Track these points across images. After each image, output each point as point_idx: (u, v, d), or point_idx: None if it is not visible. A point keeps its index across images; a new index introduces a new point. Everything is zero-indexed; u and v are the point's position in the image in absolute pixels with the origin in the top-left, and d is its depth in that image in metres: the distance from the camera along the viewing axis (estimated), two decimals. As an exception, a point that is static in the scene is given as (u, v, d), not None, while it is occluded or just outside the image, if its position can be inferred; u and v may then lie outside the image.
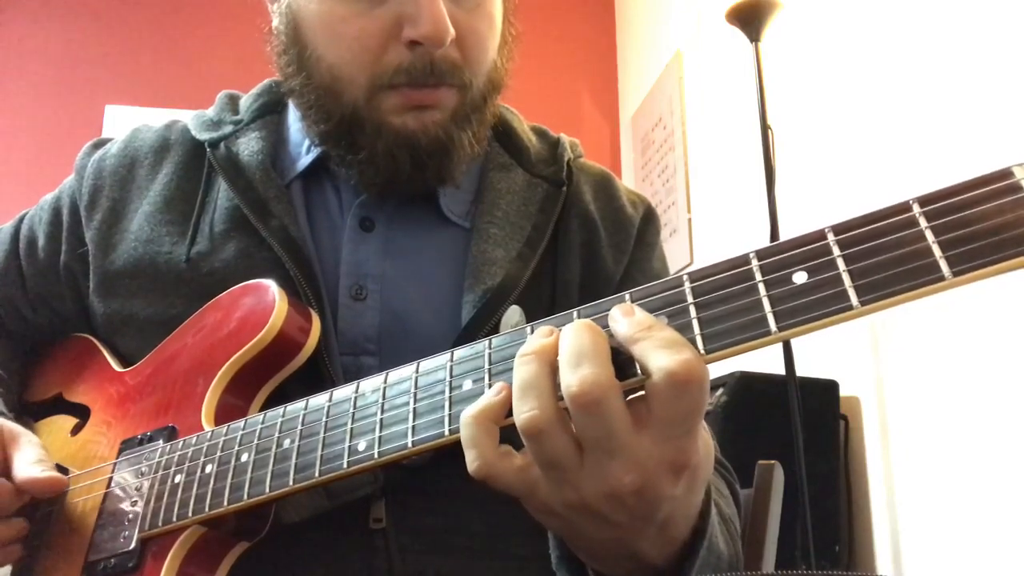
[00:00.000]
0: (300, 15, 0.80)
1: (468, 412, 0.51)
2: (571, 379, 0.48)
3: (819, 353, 2.02)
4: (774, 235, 1.96)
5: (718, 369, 2.04)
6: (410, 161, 0.79)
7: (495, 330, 0.73)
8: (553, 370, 0.50)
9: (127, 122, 2.95)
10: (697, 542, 0.56)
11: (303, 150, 0.88)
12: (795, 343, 1.88)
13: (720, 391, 1.92)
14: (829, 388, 1.94)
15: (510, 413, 0.51)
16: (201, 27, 3.14)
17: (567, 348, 0.49)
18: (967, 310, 1.56)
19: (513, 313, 0.63)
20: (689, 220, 2.80)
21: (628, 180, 3.34)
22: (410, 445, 0.55)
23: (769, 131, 2.06)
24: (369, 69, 0.77)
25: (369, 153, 0.79)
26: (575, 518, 0.51)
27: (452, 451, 0.71)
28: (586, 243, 0.87)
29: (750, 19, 2.14)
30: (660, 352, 0.47)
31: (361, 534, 0.72)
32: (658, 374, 0.47)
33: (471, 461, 0.51)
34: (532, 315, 0.59)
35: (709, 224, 2.71)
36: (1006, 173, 0.41)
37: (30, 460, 0.74)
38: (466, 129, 0.80)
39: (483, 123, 0.83)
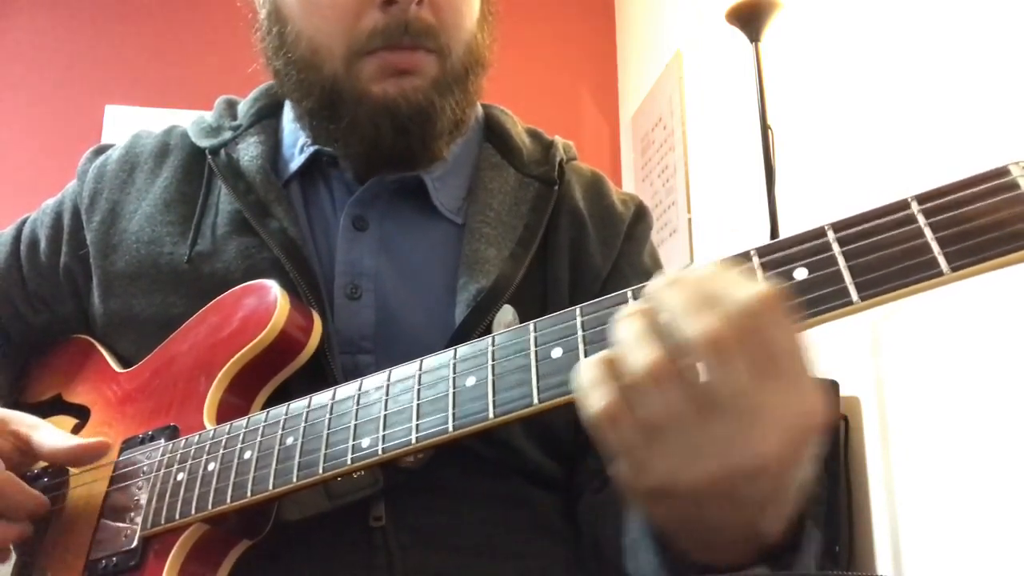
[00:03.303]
0: None
1: (597, 355, 0.47)
2: (702, 322, 0.43)
3: (819, 353, 2.02)
4: (774, 235, 1.96)
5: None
6: (392, 127, 0.79)
7: (488, 330, 0.73)
8: (661, 330, 0.46)
9: (127, 122, 2.95)
10: (806, 515, 0.51)
11: (296, 151, 0.89)
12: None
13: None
14: (829, 388, 1.94)
15: None
16: (201, 27, 3.14)
17: (682, 297, 0.45)
18: (967, 310, 1.57)
19: (506, 313, 0.63)
20: (689, 220, 2.80)
21: (628, 180, 3.34)
22: (414, 441, 0.55)
23: (769, 131, 2.06)
24: (346, 36, 0.78)
25: (351, 121, 0.80)
26: (695, 502, 0.46)
27: (452, 451, 0.71)
28: (574, 240, 0.87)
29: (750, 19, 2.14)
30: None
31: (361, 532, 0.72)
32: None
33: (596, 402, 0.45)
34: (525, 315, 0.60)
35: (709, 224, 2.71)
36: (1003, 171, 0.42)
37: (61, 434, 0.76)
38: (448, 98, 0.81)
39: (466, 96, 0.84)
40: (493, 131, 0.93)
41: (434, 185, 0.86)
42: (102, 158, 0.95)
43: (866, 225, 0.44)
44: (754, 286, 0.44)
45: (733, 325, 0.43)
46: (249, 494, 0.63)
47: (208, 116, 0.94)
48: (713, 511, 0.46)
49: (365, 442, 0.58)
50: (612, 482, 0.74)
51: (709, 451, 0.44)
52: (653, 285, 0.47)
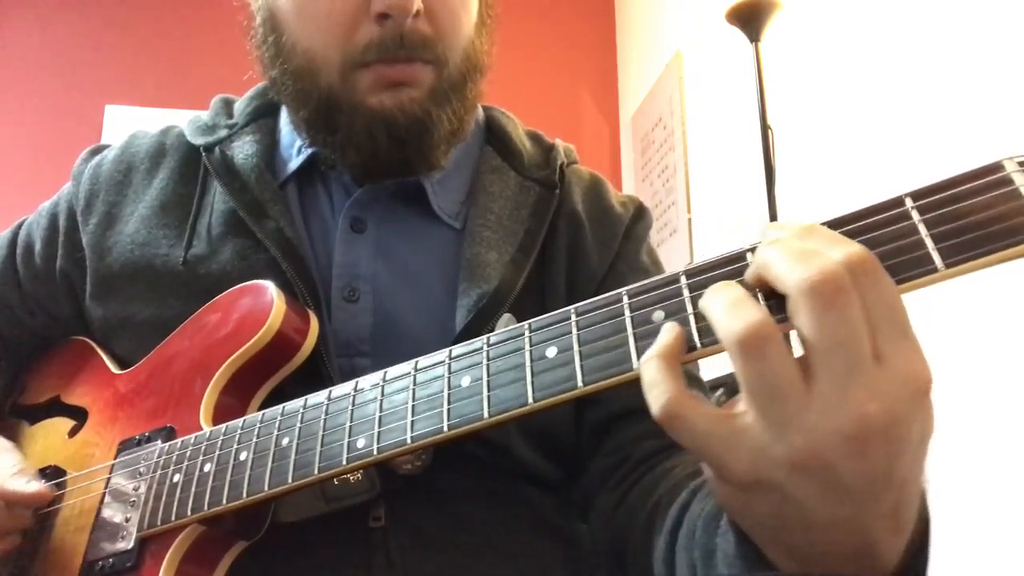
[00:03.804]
0: (276, 3, 0.81)
1: (647, 355, 0.45)
2: (806, 271, 0.40)
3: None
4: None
5: (718, 369, 2.03)
6: (388, 138, 0.79)
7: None
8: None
9: (127, 122, 2.95)
10: (927, 532, 0.46)
11: (294, 152, 0.88)
12: (795, 341, 1.88)
13: (720, 392, 1.91)
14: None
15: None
16: (201, 27, 3.14)
17: (782, 253, 0.42)
18: (966, 311, 1.56)
19: (506, 322, 0.63)
20: (689, 220, 2.79)
21: (628, 180, 3.34)
22: (409, 441, 0.55)
23: (769, 131, 2.06)
24: (341, 47, 0.77)
25: (347, 133, 0.80)
26: (793, 485, 0.41)
27: (451, 455, 0.71)
28: (571, 245, 0.86)
29: (750, 19, 2.14)
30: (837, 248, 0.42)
31: (361, 532, 0.72)
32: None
33: (656, 400, 0.43)
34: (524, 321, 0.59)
35: (709, 224, 2.71)
36: (997, 166, 0.42)
37: (9, 472, 0.76)
38: (445, 107, 0.80)
39: (464, 103, 0.83)
40: (494, 134, 0.93)
41: (433, 189, 0.86)
42: (97, 159, 0.94)
43: (860, 223, 0.44)
44: (855, 244, 0.42)
45: (841, 270, 0.40)
46: (245, 495, 0.63)
47: (204, 115, 0.94)
48: (808, 497, 0.41)
49: (360, 442, 0.57)
50: (636, 486, 0.74)
51: (804, 418, 0.40)
52: (760, 248, 0.44)
